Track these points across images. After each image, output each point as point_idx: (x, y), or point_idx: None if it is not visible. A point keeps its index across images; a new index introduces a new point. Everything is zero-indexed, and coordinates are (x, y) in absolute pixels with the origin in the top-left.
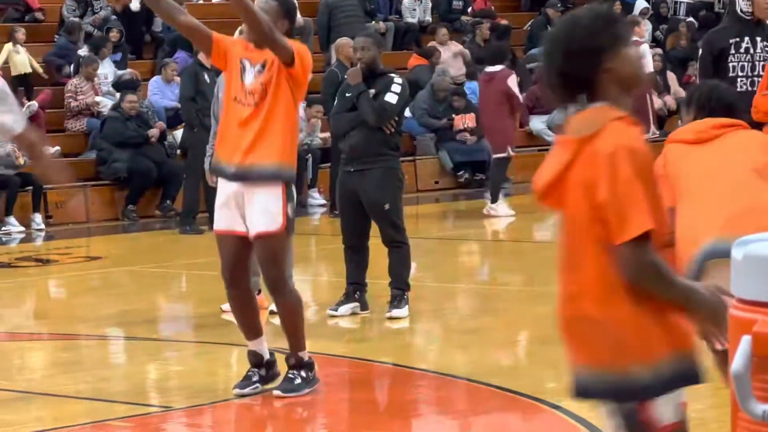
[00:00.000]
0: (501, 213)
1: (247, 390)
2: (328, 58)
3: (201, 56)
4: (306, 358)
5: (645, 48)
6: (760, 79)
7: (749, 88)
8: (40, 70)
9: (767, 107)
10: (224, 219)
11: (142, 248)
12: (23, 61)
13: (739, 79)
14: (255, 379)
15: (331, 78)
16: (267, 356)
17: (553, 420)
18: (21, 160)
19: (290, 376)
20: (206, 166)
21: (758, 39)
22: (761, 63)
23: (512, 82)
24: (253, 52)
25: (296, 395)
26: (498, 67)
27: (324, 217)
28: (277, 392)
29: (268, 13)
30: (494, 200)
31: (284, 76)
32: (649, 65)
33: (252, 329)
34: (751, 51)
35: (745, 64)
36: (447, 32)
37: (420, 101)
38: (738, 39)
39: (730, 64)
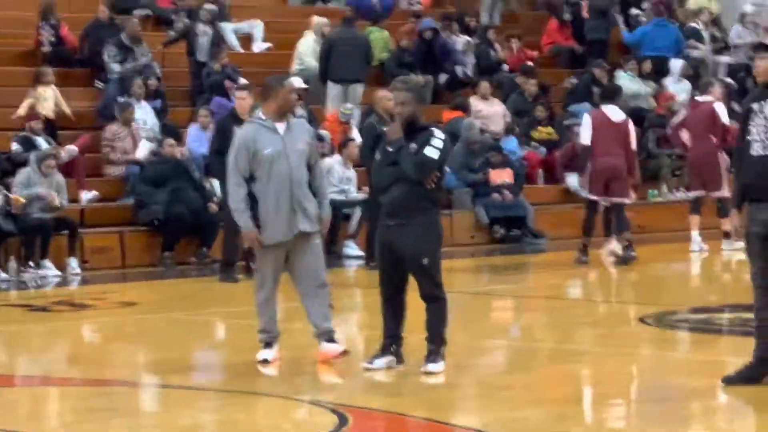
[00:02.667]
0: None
1: None
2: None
3: (236, 107)
4: None
5: (720, 105)
6: None
7: (761, 153)
8: (68, 111)
9: None
10: None
11: (177, 295)
12: (51, 105)
13: (753, 143)
14: None
15: (369, 130)
16: None
17: None
18: (57, 202)
19: None
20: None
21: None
22: None
23: (633, 130)
24: None
25: None
26: (621, 117)
27: (360, 268)
28: None
29: None
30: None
31: None
32: (724, 118)
33: None
34: (766, 114)
35: (760, 128)
36: (489, 86)
37: (455, 155)
38: (757, 103)
39: (749, 128)
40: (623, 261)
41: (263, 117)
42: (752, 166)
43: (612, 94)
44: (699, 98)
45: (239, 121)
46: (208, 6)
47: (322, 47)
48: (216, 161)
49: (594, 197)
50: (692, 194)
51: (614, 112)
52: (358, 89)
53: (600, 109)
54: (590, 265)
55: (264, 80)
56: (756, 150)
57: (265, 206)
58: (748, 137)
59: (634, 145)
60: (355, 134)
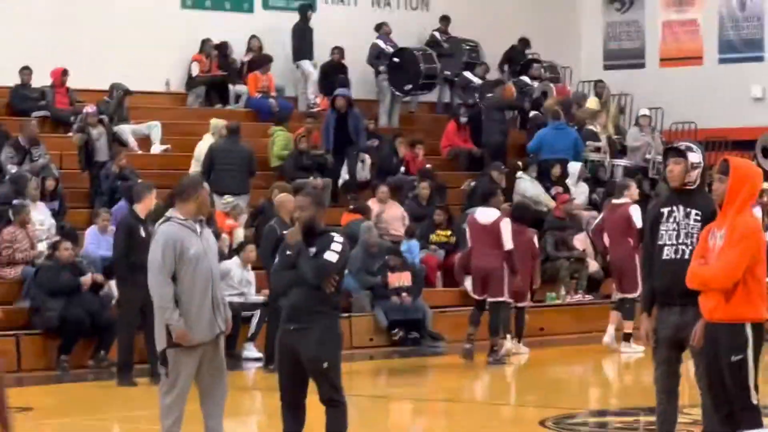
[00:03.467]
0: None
1: None
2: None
3: (137, 207)
4: None
5: (635, 208)
6: (684, 247)
7: (672, 257)
8: None
9: (704, 276)
10: None
11: (74, 399)
12: None
13: (664, 247)
14: None
15: (270, 234)
16: None
17: None
18: None
19: None
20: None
21: (682, 207)
22: (685, 231)
23: (507, 230)
24: None
25: None
26: (492, 218)
27: (259, 371)
28: None
29: None
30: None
31: None
32: (638, 222)
33: None
34: (678, 219)
35: (672, 232)
36: (387, 190)
37: (354, 258)
38: (668, 208)
39: (659, 232)
40: (495, 362)
41: (181, 217)
42: (663, 270)
43: (485, 196)
44: (615, 201)
45: (142, 222)
46: (89, 109)
47: (204, 158)
48: (124, 263)
49: (475, 296)
50: (615, 296)
51: (484, 215)
52: (242, 201)
53: (473, 213)
54: (485, 365)
55: (181, 181)
56: (667, 254)
57: (189, 306)
58: (659, 241)
59: (507, 246)
60: (239, 232)
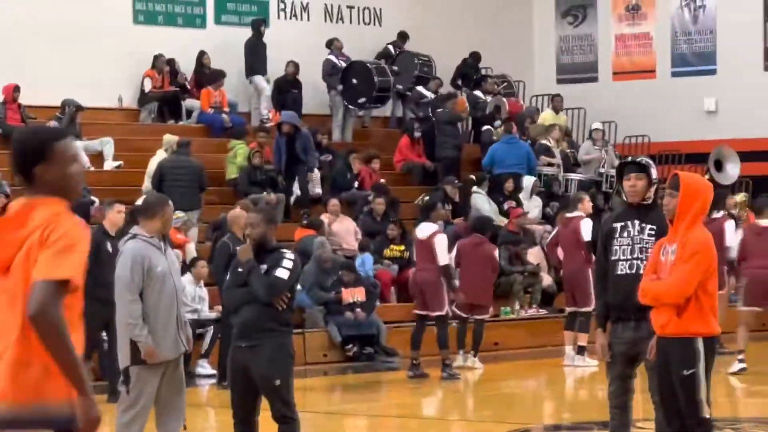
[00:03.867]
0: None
1: None
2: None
3: (106, 222)
4: None
5: (586, 221)
6: (639, 262)
7: (627, 272)
8: None
9: (656, 291)
10: None
11: None
12: None
13: (618, 263)
14: None
15: (223, 250)
16: None
17: None
18: None
19: None
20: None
21: (637, 222)
22: (639, 246)
23: (441, 245)
24: None
25: None
26: (427, 233)
27: (212, 388)
28: None
29: None
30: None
31: None
32: (586, 236)
33: None
34: (632, 234)
35: (626, 247)
36: (338, 204)
37: (307, 274)
38: (622, 222)
39: (613, 247)
40: (449, 377)
41: (147, 234)
42: (617, 285)
43: (426, 211)
44: (568, 214)
45: (110, 237)
46: (51, 124)
47: (154, 174)
48: (89, 278)
49: (415, 311)
50: (567, 310)
51: (421, 229)
52: (194, 216)
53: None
54: (439, 380)
55: (146, 198)
56: (621, 269)
57: (155, 324)
58: (613, 257)
59: (441, 260)
60: (191, 248)
